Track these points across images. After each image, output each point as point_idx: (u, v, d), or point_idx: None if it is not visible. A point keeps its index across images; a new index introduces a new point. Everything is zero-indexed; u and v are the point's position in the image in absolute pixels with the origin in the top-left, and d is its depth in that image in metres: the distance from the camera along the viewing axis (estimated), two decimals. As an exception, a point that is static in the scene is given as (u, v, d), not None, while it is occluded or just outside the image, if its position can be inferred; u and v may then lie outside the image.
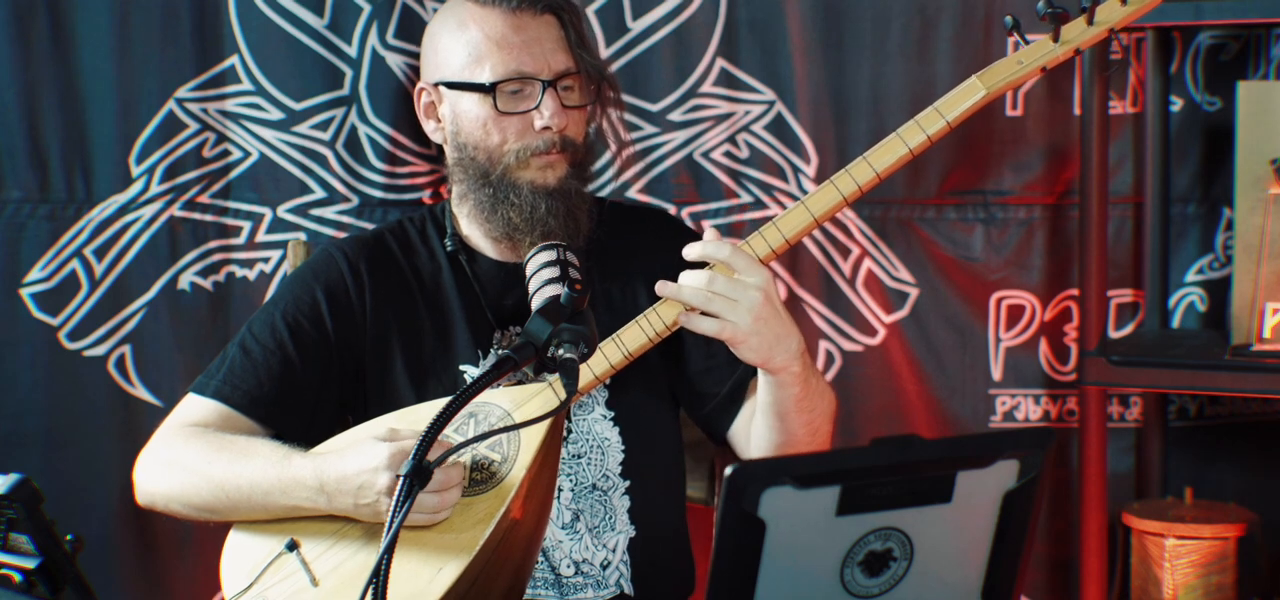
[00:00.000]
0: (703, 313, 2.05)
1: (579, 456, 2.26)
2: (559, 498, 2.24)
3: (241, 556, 2.11)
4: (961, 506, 1.52)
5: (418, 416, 2.10)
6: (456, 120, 2.29)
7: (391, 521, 1.69)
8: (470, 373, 2.25)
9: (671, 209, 2.90)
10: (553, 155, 2.25)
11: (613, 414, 2.28)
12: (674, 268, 2.21)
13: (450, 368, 2.27)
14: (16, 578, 1.63)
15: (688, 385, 2.34)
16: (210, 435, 2.18)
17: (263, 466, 2.09)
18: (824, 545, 1.50)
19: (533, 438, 2.04)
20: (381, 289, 2.30)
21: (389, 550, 1.67)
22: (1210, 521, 2.76)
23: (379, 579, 1.66)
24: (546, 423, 2.04)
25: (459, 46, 2.26)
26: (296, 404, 2.24)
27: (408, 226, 2.39)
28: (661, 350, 2.22)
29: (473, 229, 2.34)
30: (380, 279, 2.30)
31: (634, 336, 2.15)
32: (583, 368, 2.14)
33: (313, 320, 2.26)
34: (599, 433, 2.27)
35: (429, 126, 2.34)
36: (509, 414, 2.08)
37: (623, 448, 2.28)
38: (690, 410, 2.37)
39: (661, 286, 2.08)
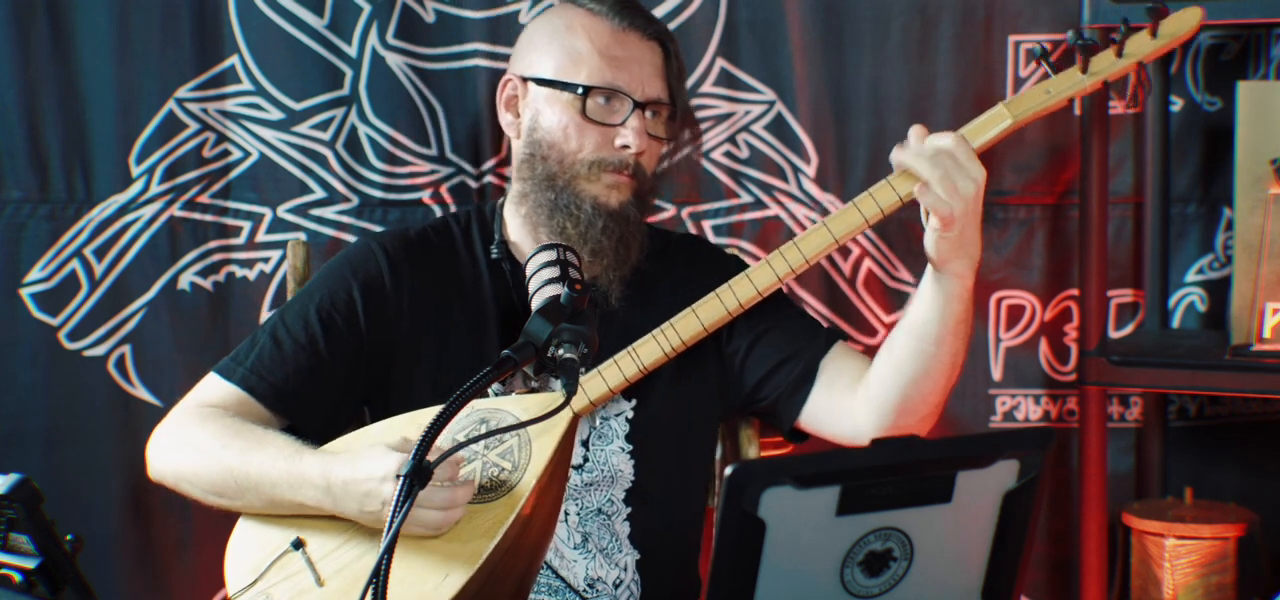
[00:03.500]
0: (925, 190, 2.06)
1: (591, 485, 2.24)
2: (567, 520, 2.23)
3: (246, 552, 2.10)
4: (961, 506, 1.52)
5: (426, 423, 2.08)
6: (537, 118, 2.27)
7: (391, 522, 1.69)
8: (496, 386, 2.23)
9: (671, 210, 2.90)
10: (623, 177, 2.24)
11: (631, 446, 2.26)
12: (701, 292, 2.19)
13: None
14: (16, 578, 1.63)
15: (752, 392, 2.31)
16: (226, 419, 2.16)
17: (273, 457, 2.08)
18: (824, 545, 1.50)
19: (543, 450, 2.03)
20: (419, 289, 2.27)
21: (388, 551, 1.66)
22: (1210, 521, 2.76)
23: (378, 580, 1.66)
24: (558, 437, 2.04)
25: (559, 47, 2.27)
26: (321, 401, 2.23)
27: (452, 225, 2.36)
28: (716, 368, 2.21)
29: (523, 235, 2.31)
30: (419, 279, 2.28)
31: (650, 351, 2.15)
32: (596, 379, 2.14)
33: (346, 316, 2.24)
34: (614, 464, 2.25)
35: (506, 119, 2.33)
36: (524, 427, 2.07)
37: (633, 478, 2.26)
38: (755, 410, 2.35)
39: (895, 155, 2.08)
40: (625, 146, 2.23)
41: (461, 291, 2.29)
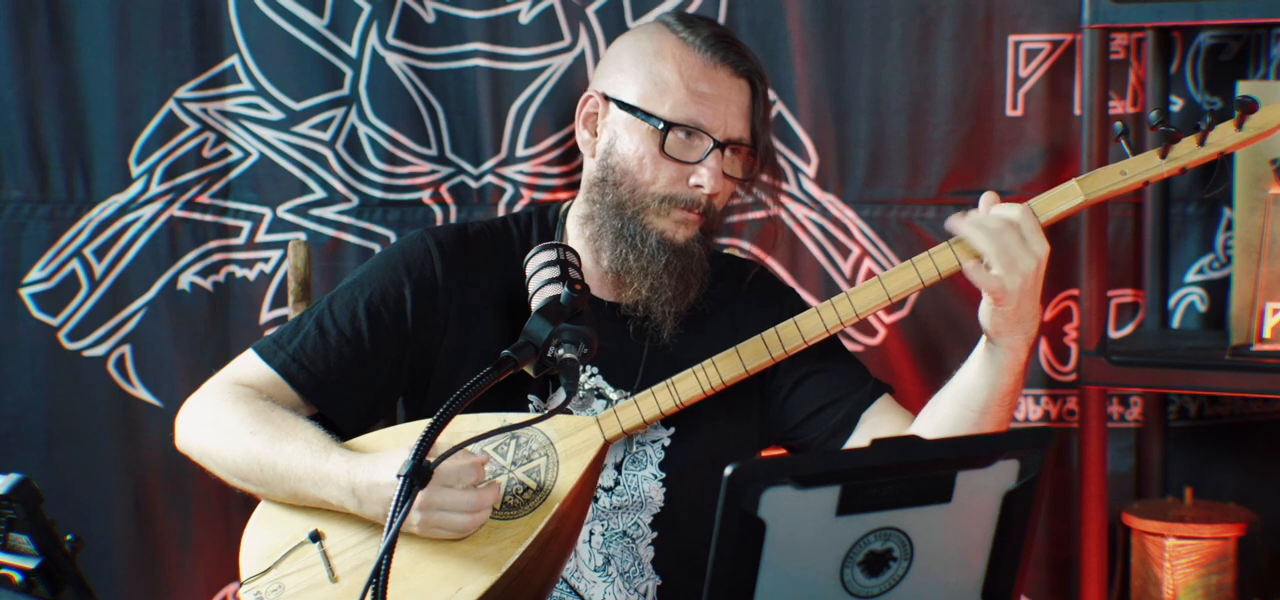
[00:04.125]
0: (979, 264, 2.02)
1: (619, 508, 2.22)
2: (589, 541, 2.22)
3: (263, 538, 2.08)
4: (961, 506, 1.52)
5: (457, 430, 2.01)
6: (613, 142, 2.21)
7: (391, 522, 1.69)
8: (535, 403, 2.21)
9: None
10: (693, 214, 2.19)
11: (664, 474, 2.23)
12: (758, 330, 2.16)
13: (517, 392, 2.20)
14: (16, 578, 1.63)
15: (791, 430, 2.28)
16: (257, 401, 2.13)
17: (300, 451, 2.06)
18: (824, 545, 1.50)
19: (571, 472, 2.02)
20: (471, 291, 2.24)
21: (388, 550, 1.67)
22: (1210, 521, 2.76)
23: (378, 580, 1.66)
24: (587, 462, 2.03)
25: (645, 74, 2.20)
26: (358, 396, 2.20)
27: (512, 230, 2.30)
28: (758, 403, 2.20)
29: (586, 253, 2.23)
30: (472, 280, 2.24)
31: (688, 387, 2.12)
32: (632, 408, 2.11)
33: (395, 314, 2.21)
34: (645, 490, 2.23)
35: (582, 136, 2.26)
36: (551, 443, 2.05)
37: (661, 504, 2.23)
38: (791, 448, 2.32)
39: (953, 223, 2.03)
40: (700, 186, 2.18)
41: (510, 302, 2.25)
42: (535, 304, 1.91)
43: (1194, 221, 2.97)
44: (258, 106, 2.86)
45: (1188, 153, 2.09)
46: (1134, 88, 2.93)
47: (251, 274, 2.89)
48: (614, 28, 2.88)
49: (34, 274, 2.85)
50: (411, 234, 2.29)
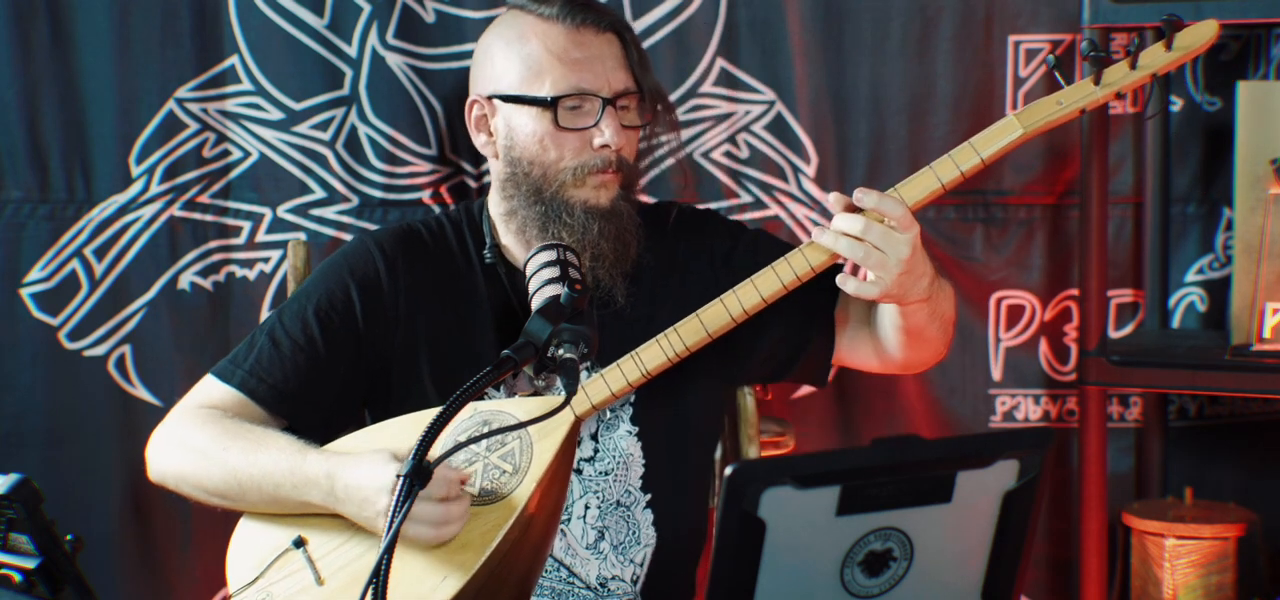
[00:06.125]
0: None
1: (606, 473, 2.24)
2: (584, 517, 2.23)
3: (248, 549, 2.10)
4: (961, 506, 1.52)
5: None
6: (511, 134, 2.25)
7: (391, 522, 1.69)
8: (493, 393, 2.22)
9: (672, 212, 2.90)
10: (608, 175, 2.23)
11: (636, 428, 2.26)
12: (703, 271, 2.18)
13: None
14: (16, 578, 1.63)
15: (765, 360, 2.33)
16: (226, 420, 2.16)
17: (277, 458, 2.08)
18: (824, 545, 1.50)
19: (545, 453, 2.03)
20: (417, 288, 2.27)
21: (389, 551, 1.67)
22: (1210, 521, 2.76)
23: (378, 580, 1.66)
24: (560, 440, 2.04)
25: (517, 60, 2.24)
26: (320, 401, 2.23)
27: (446, 225, 2.35)
28: (719, 347, 2.22)
29: (516, 244, 2.30)
30: (416, 278, 2.28)
31: (653, 356, 2.14)
32: (599, 382, 2.13)
33: (344, 316, 2.24)
34: (624, 448, 2.25)
35: (479, 140, 2.30)
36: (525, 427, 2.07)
37: (644, 462, 2.26)
38: (779, 377, 2.38)
39: (818, 235, 2.08)
40: (605, 146, 2.22)
41: (458, 292, 2.29)
42: (535, 304, 1.91)
43: (1194, 221, 2.97)
44: (258, 106, 2.86)
45: (1120, 77, 2.11)
46: (1134, 88, 2.92)
47: (251, 274, 2.89)
48: (614, 28, 2.88)
49: (34, 274, 2.85)
50: (352, 239, 2.33)
